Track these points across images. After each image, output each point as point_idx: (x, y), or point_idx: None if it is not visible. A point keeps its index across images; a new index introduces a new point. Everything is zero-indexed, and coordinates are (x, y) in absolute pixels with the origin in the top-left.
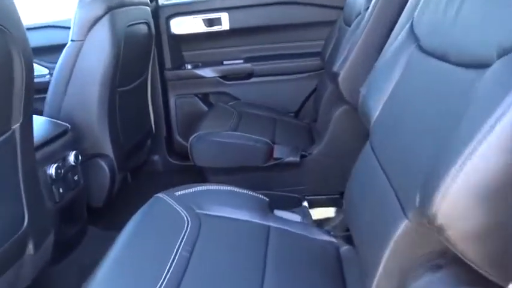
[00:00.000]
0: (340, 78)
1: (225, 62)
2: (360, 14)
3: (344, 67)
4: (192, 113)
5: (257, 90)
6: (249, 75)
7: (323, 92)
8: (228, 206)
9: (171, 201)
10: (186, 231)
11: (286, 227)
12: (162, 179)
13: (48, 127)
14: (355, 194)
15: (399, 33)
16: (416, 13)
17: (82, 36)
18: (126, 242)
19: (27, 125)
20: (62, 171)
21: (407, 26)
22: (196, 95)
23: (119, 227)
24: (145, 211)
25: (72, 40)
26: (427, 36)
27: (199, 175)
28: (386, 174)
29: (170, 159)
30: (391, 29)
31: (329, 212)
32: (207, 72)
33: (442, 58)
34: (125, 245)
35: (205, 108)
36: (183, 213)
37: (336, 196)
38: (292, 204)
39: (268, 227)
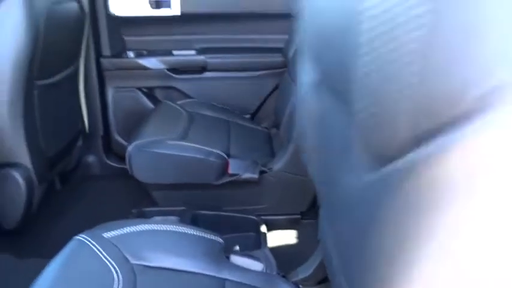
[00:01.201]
0: None
1: (174, 52)
2: None
3: None
4: (135, 109)
5: (210, 86)
6: (202, 69)
7: (286, 94)
8: (173, 254)
9: (96, 248)
10: None
11: (245, 281)
12: (99, 185)
13: None
14: None
15: None
16: None
17: None
18: None
19: None
20: None
21: None
22: (139, 88)
23: (40, 253)
24: (61, 261)
25: None
26: None
27: (141, 184)
28: None
29: (108, 161)
30: None
31: (289, 236)
32: (153, 63)
33: None
34: None
35: (149, 104)
36: (111, 267)
37: (297, 217)
38: (248, 227)
39: (224, 281)
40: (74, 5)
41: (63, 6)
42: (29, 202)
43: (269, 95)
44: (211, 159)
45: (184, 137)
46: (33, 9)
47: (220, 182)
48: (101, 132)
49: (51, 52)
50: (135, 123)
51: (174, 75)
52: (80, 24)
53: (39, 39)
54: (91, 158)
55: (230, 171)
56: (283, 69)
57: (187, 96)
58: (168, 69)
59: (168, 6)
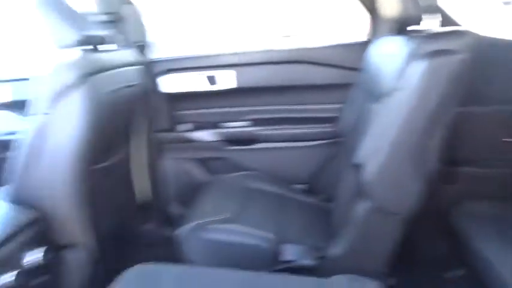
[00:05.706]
0: (369, 184)
1: (226, 125)
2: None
3: (373, 168)
4: (189, 179)
5: (263, 157)
6: (253, 140)
7: (341, 169)
8: None
9: None
10: None
11: None
12: (153, 252)
13: (8, 216)
14: None
15: None
16: None
17: (50, 108)
18: None
19: None
20: (26, 278)
21: None
22: (192, 160)
23: None
24: None
25: (35, 114)
26: None
27: None
28: None
29: (163, 229)
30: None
31: None
32: (205, 135)
33: None
34: None
35: (203, 174)
36: None
37: None
38: None
39: None
40: (131, 90)
41: (121, 93)
42: (91, 282)
43: (324, 164)
44: (264, 245)
45: (236, 217)
46: (93, 103)
47: (273, 269)
48: (156, 202)
49: (107, 139)
50: (188, 194)
51: (226, 147)
52: (134, 108)
53: (96, 129)
54: (148, 226)
55: (283, 257)
56: (335, 139)
57: (239, 167)
58: (220, 141)
59: (214, 82)
